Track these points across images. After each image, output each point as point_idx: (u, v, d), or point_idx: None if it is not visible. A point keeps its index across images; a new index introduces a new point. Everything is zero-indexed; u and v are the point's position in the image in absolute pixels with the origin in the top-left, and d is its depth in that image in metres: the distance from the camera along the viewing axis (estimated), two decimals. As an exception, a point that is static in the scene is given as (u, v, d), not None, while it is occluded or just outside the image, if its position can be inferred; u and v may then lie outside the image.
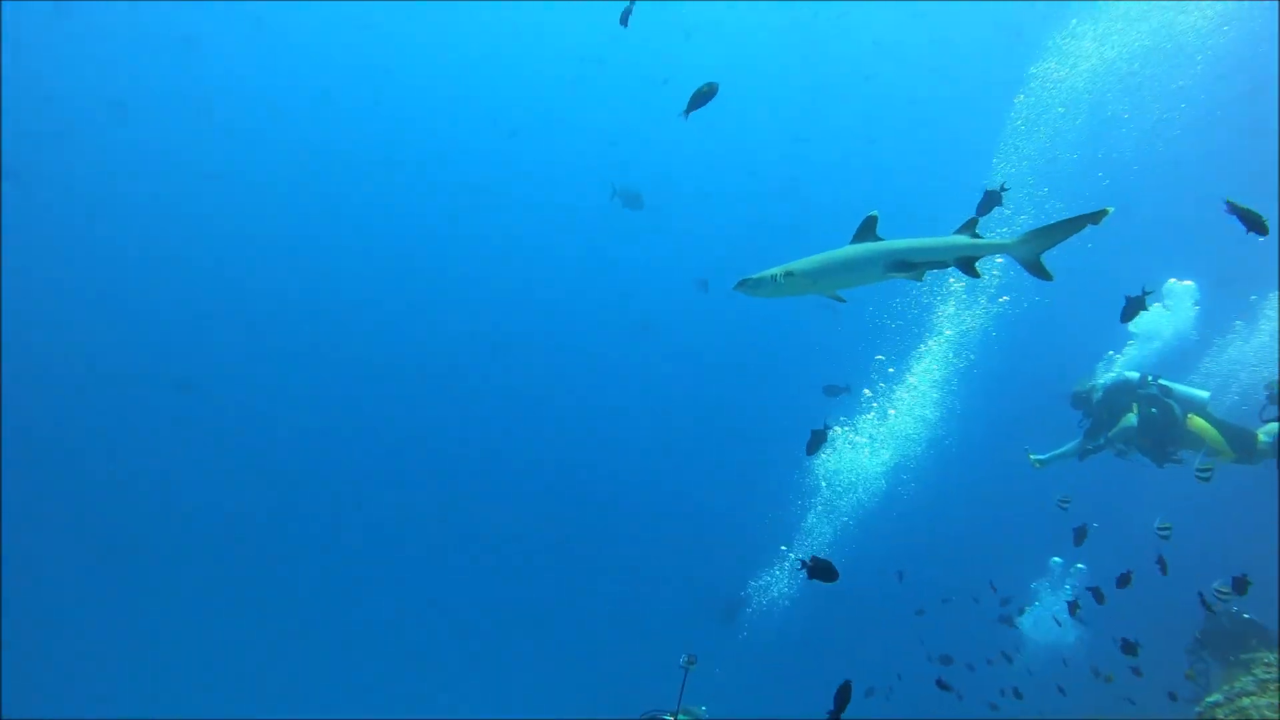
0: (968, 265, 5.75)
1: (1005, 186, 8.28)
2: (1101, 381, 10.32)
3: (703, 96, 7.47)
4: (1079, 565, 15.43)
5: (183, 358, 25.91)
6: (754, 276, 5.82)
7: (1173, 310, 11.50)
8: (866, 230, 5.89)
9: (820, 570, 5.71)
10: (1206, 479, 8.24)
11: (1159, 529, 8.45)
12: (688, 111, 7.56)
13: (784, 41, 28.59)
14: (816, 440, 9.60)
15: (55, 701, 18.61)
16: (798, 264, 5.79)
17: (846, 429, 14.81)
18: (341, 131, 28.72)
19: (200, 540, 23.39)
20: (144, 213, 27.09)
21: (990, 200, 8.19)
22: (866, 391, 15.06)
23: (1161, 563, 9.00)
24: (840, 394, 16.02)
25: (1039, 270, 5.59)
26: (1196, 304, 11.51)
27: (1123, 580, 9.13)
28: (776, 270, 5.76)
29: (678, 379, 29.48)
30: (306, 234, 28.68)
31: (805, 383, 18.28)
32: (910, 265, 5.70)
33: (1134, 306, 8.69)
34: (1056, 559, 16.32)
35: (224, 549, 23.38)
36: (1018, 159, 14.13)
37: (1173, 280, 11.69)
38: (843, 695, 5.01)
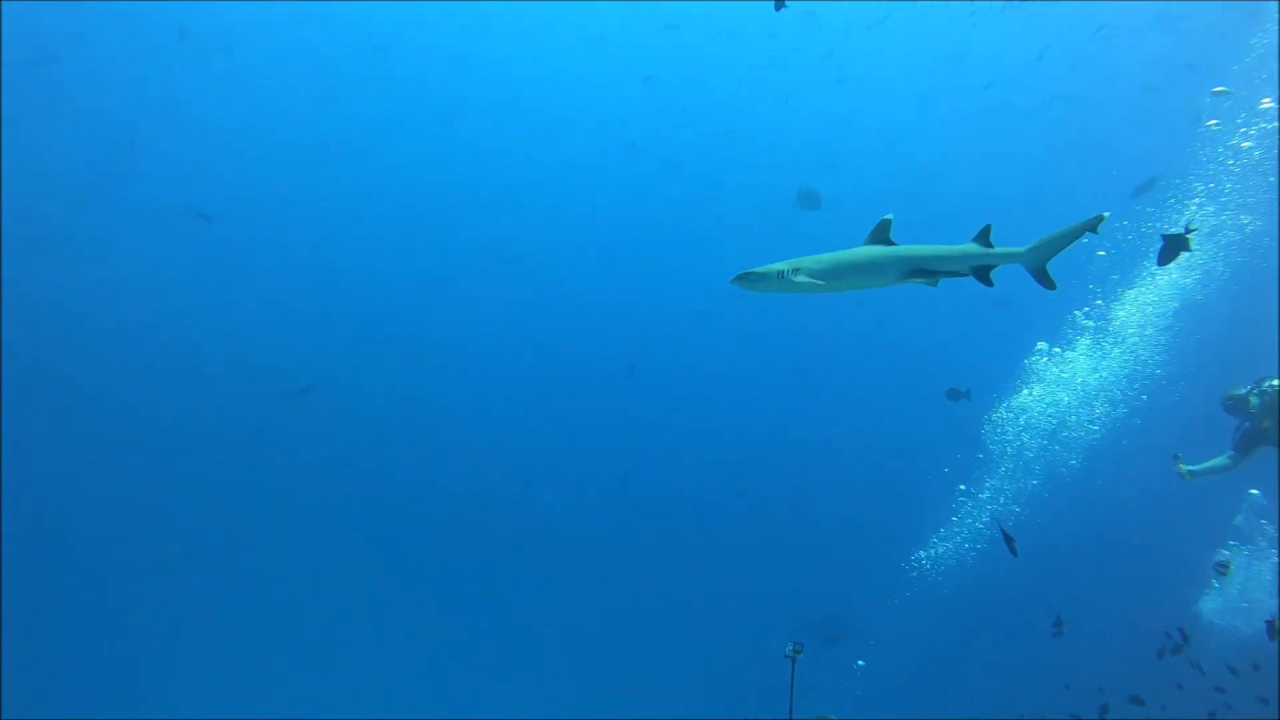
0: (983, 274, 5.88)
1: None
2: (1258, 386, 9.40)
3: None
4: None
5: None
6: (757, 270, 5.81)
7: None
8: (880, 234, 5.94)
9: None
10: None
11: None
12: None
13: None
14: (1008, 542, 9.04)
15: (55, 701, 18.22)
16: (807, 261, 5.79)
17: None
18: (459, 129, 28.37)
19: (204, 539, 22.58)
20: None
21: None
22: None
23: None
24: (961, 398, 15.51)
25: (1045, 279, 5.81)
26: None
27: None
28: (783, 265, 5.77)
29: (786, 382, 28.11)
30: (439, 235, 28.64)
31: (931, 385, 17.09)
32: (927, 272, 5.81)
33: None
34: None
35: (228, 547, 22.59)
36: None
37: None
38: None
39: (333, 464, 24.69)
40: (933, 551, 14.81)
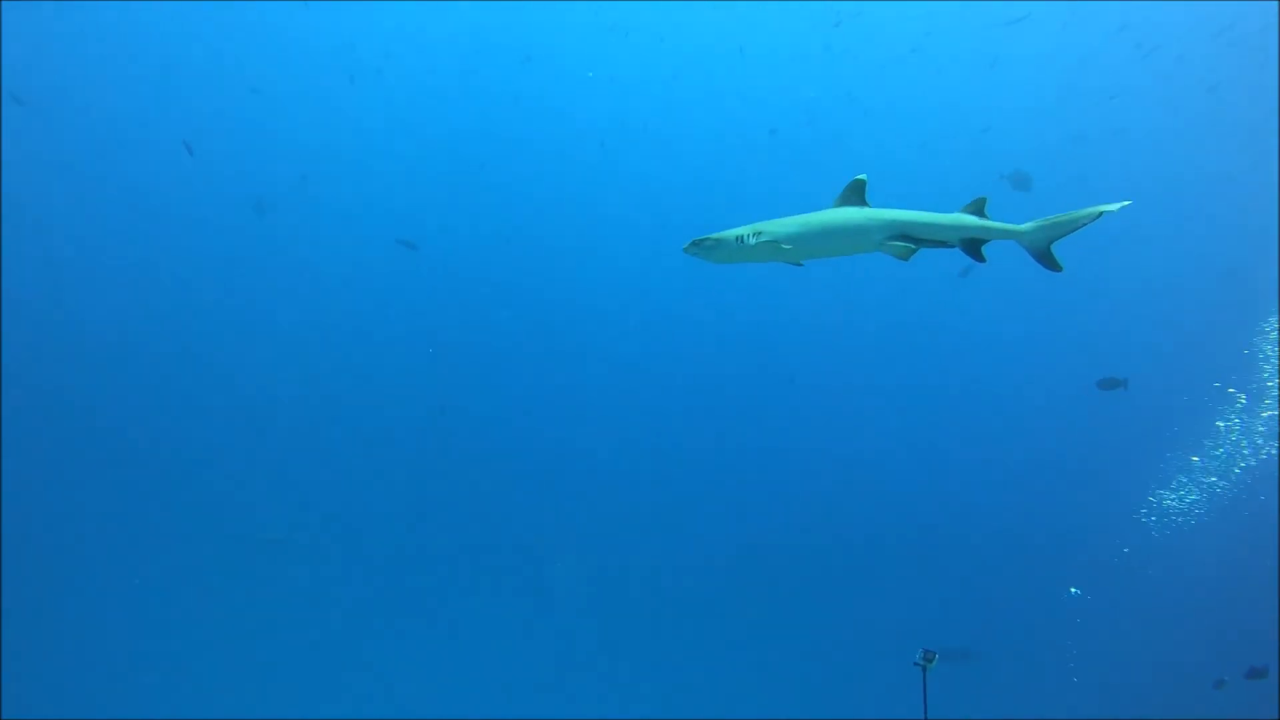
0: (974, 247, 5.51)
1: None
2: None
3: None
4: None
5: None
6: (713, 236, 5.44)
7: None
8: (853, 195, 5.54)
9: None
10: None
11: None
12: None
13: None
14: None
15: (55, 701, 18.22)
16: (771, 224, 5.40)
17: None
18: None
19: (206, 538, 22.03)
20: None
21: None
22: None
23: None
24: (1117, 388, 15.07)
25: (1048, 260, 5.47)
26: None
27: None
28: (744, 230, 5.39)
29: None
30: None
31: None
32: (911, 239, 5.40)
33: None
34: None
35: (230, 546, 21.88)
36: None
37: None
38: None
39: (342, 462, 23.86)
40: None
